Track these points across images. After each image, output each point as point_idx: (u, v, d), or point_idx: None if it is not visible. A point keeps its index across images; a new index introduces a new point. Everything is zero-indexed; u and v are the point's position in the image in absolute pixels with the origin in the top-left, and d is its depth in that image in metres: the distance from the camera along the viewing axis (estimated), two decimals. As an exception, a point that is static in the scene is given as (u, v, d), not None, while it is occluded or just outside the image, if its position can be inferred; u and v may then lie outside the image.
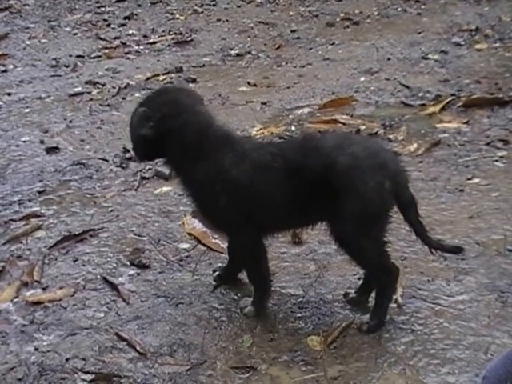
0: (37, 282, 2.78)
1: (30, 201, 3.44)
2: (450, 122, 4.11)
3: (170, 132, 2.42)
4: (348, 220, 2.28)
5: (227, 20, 7.06)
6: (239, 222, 2.44)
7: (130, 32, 6.80)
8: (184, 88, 2.76)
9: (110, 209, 3.33)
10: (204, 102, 2.58)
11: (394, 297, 2.49)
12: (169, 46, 6.29)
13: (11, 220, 3.26)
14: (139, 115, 2.42)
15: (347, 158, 2.24)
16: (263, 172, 2.33)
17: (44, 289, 2.74)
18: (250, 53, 5.93)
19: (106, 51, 6.20)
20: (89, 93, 5.08)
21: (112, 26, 7.06)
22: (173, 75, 5.37)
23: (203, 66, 5.66)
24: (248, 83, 5.12)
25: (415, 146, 3.80)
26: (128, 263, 2.87)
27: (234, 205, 2.37)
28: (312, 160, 2.27)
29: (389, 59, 5.38)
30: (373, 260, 2.38)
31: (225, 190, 2.35)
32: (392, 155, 2.51)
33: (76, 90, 5.16)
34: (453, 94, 4.49)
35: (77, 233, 3.09)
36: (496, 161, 3.57)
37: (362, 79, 4.98)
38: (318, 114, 4.38)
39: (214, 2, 7.77)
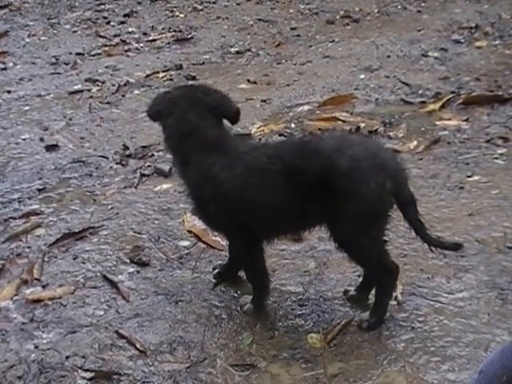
0: (37, 279, 2.78)
1: (29, 199, 3.44)
2: (449, 119, 4.11)
3: (163, 129, 2.46)
4: (349, 221, 2.28)
5: (227, 18, 7.05)
6: (230, 229, 2.45)
7: (130, 30, 6.79)
8: (197, 87, 2.67)
9: (109, 206, 3.33)
10: (222, 103, 2.46)
11: (394, 294, 2.49)
12: (168, 43, 6.28)
13: (11, 218, 3.26)
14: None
15: (347, 160, 2.23)
16: (259, 176, 2.30)
17: (44, 287, 2.74)
18: (249, 50, 5.92)
19: (106, 49, 6.19)
20: (88, 90, 5.07)
21: (112, 23, 7.06)
22: (172, 73, 5.37)
23: (203, 63, 5.65)
24: (248, 81, 5.12)
25: (415, 143, 3.80)
26: (128, 261, 2.87)
27: (223, 212, 2.37)
28: (311, 162, 2.26)
29: (389, 57, 5.38)
30: (373, 259, 2.38)
31: (213, 198, 2.34)
32: (391, 155, 2.51)
33: (76, 87, 5.16)
34: (453, 92, 4.48)
35: (76, 231, 3.09)
36: (496, 158, 3.57)
37: (362, 77, 4.97)
38: (318, 112, 4.38)
39: (213, 0, 7.76)
